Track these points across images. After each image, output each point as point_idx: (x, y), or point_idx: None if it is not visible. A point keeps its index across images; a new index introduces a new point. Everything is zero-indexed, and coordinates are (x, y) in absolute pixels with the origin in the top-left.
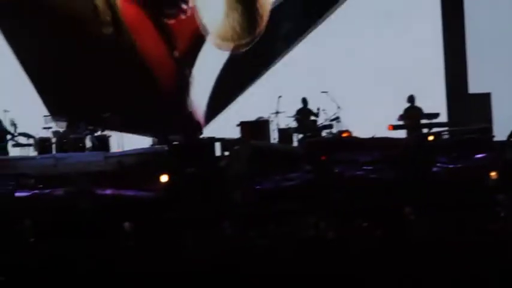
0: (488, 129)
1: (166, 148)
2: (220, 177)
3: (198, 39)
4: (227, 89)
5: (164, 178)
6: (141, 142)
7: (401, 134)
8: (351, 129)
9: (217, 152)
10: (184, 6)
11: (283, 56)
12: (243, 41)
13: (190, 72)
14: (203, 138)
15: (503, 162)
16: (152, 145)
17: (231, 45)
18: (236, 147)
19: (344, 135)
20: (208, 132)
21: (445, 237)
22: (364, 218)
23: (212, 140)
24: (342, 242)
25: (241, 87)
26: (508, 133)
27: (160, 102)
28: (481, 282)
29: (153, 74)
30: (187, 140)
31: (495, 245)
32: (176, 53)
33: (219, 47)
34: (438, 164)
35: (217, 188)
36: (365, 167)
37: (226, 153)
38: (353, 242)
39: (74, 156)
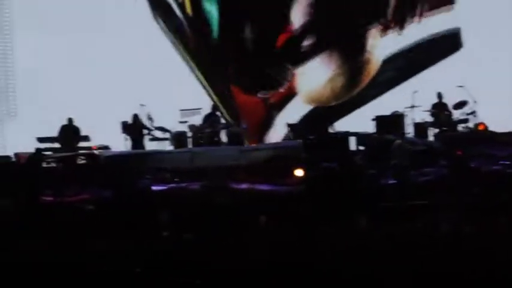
0: None
1: (301, 142)
2: (356, 172)
3: (292, 92)
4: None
5: (299, 172)
6: (276, 137)
7: None
8: (487, 124)
9: (352, 146)
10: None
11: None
12: (340, 101)
13: (276, 114)
14: (338, 133)
15: None
16: (287, 139)
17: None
18: (398, 141)
19: (480, 127)
20: (342, 126)
21: None
22: (501, 214)
23: (347, 135)
24: (480, 238)
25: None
26: None
27: None
28: None
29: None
30: (322, 134)
31: None
32: (270, 100)
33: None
34: None
35: (352, 182)
36: (502, 162)
37: (361, 147)
38: (491, 238)
39: (209, 151)
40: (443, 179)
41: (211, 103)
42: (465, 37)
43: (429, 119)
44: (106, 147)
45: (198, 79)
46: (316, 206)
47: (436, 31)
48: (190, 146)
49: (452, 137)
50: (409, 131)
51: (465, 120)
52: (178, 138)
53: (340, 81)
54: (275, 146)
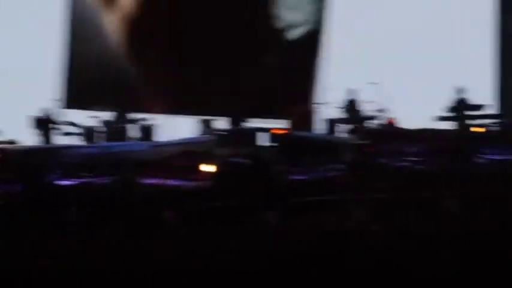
0: None
1: (214, 137)
2: (264, 167)
3: None
4: None
5: (206, 167)
6: (187, 132)
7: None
8: (397, 121)
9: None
10: None
11: None
12: None
13: None
14: (247, 128)
15: None
16: (200, 135)
17: None
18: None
19: (389, 121)
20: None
21: (489, 229)
22: (408, 210)
23: (255, 130)
24: (386, 235)
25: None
26: None
27: None
28: None
29: None
30: (232, 129)
31: None
32: None
33: None
34: (482, 156)
35: (260, 177)
36: (410, 158)
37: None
38: (397, 235)
39: (119, 146)
40: (350, 175)
41: None
42: (377, 33)
43: (341, 115)
44: (12, 142)
45: None
46: (223, 201)
47: None
48: (103, 141)
49: (362, 133)
50: (321, 126)
51: (375, 117)
52: (89, 133)
53: None
54: (186, 141)
